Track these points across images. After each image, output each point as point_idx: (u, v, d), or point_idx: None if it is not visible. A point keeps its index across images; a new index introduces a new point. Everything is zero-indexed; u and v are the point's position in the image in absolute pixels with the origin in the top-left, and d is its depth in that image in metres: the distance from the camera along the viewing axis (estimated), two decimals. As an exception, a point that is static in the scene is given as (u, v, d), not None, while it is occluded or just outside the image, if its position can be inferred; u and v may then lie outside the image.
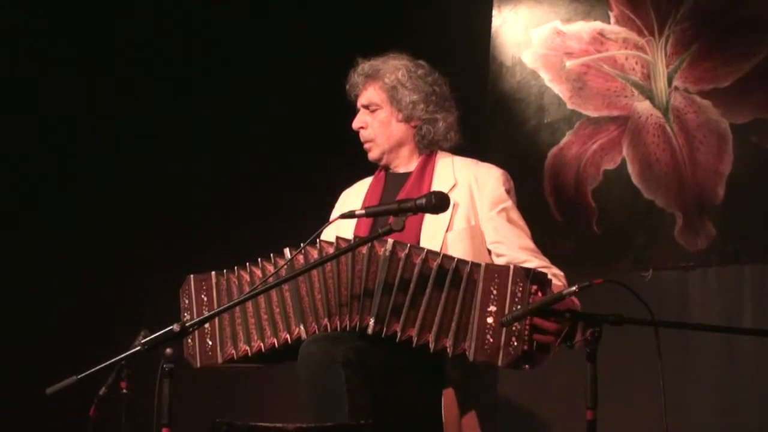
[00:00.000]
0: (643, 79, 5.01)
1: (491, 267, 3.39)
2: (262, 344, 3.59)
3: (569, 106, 5.17)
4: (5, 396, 5.43)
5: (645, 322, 3.11)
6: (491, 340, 3.33)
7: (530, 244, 3.74)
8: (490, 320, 3.34)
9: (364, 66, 3.90)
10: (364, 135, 3.89)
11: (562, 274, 3.68)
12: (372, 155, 3.90)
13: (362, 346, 3.45)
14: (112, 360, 3.05)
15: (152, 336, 3.03)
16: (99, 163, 5.69)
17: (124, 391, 3.03)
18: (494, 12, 5.37)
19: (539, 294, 3.34)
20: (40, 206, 5.66)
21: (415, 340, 3.41)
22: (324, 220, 3.69)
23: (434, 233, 3.68)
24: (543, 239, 5.09)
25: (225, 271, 3.67)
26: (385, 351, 3.48)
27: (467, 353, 3.36)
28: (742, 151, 4.76)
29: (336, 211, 4.01)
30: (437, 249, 3.58)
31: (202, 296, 3.66)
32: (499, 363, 3.33)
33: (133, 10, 5.77)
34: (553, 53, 5.22)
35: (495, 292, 3.35)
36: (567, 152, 5.15)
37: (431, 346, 3.40)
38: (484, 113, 5.33)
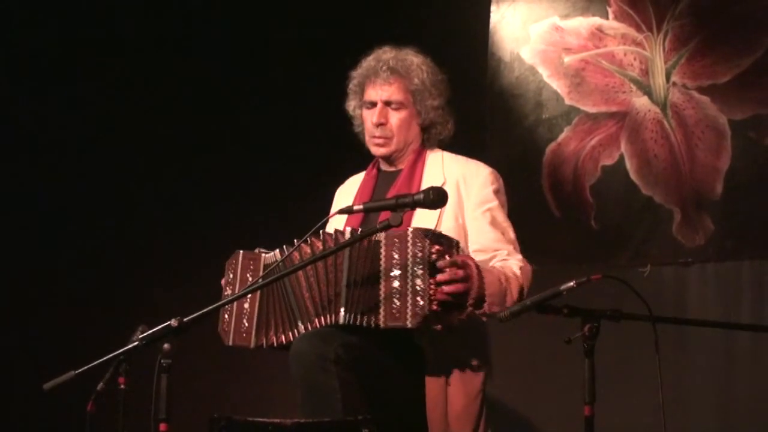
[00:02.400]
0: (641, 75, 5.01)
1: (391, 233, 3.42)
2: (283, 336, 3.60)
3: (567, 101, 5.17)
4: (3, 391, 5.44)
5: (643, 317, 3.12)
6: (398, 303, 3.38)
7: (504, 244, 3.72)
8: (395, 284, 3.39)
9: (389, 58, 3.84)
10: (383, 131, 3.84)
11: (520, 265, 3.66)
12: (383, 151, 3.86)
13: (353, 342, 3.47)
14: (110, 355, 3.05)
15: (150, 331, 3.03)
16: (97, 160, 5.70)
17: (122, 386, 3.03)
18: (492, 8, 5.37)
19: (446, 256, 3.39)
20: (39, 203, 5.66)
21: (358, 321, 3.45)
22: (321, 217, 3.70)
23: None
24: (541, 235, 5.13)
25: (273, 252, 3.65)
26: (374, 345, 3.51)
27: (378, 320, 3.40)
28: (741, 147, 4.76)
29: (334, 209, 4.02)
30: None
31: (248, 275, 3.64)
32: (408, 324, 3.36)
33: (132, 8, 5.78)
34: (551, 49, 5.22)
35: (397, 256, 3.40)
36: (565, 148, 5.15)
37: (363, 322, 3.45)
38: (483, 109, 5.33)
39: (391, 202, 3.46)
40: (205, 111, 5.71)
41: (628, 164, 5.01)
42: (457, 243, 3.50)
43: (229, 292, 3.67)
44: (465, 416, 3.63)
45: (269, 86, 5.68)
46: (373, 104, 3.85)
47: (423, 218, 3.69)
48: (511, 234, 3.77)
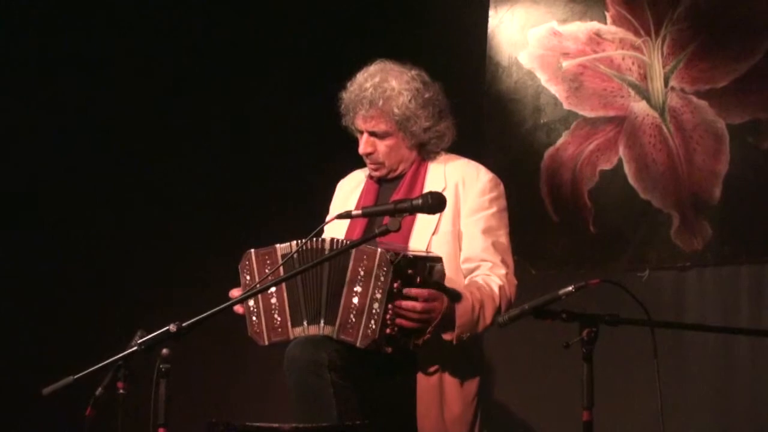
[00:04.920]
0: (639, 80, 5.01)
1: (361, 249, 3.43)
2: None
3: (566, 106, 5.17)
4: (2, 396, 5.43)
5: (641, 322, 3.12)
6: (353, 320, 3.41)
7: (492, 255, 3.71)
8: (355, 300, 3.42)
9: (369, 86, 3.78)
10: (372, 158, 3.83)
11: (500, 283, 3.66)
12: (377, 174, 3.86)
13: (346, 349, 3.47)
14: (109, 360, 3.04)
15: (149, 336, 3.03)
16: (97, 162, 5.69)
17: (121, 391, 3.03)
18: (491, 12, 5.37)
19: (417, 279, 3.42)
20: (39, 205, 5.66)
21: (322, 331, 3.49)
22: (319, 211, 3.70)
23: (422, 236, 3.70)
24: (539, 239, 5.14)
25: (289, 243, 3.61)
26: (366, 352, 3.51)
27: (333, 330, 3.44)
28: (739, 152, 4.76)
29: (334, 203, 4.01)
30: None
31: (266, 270, 3.59)
32: (357, 344, 3.41)
33: (131, 6, 5.78)
34: (549, 53, 5.22)
35: (362, 272, 3.41)
36: (563, 152, 5.15)
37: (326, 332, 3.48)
38: (481, 114, 5.33)
39: (390, 207, 3.47)
40: (205, 114, 5.71)
41: (627, 169, 5.01)
42: (432, 267, 3.48)
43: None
44: (461, 422, 3.64)
45: (269, 87, 5.68)
46: (362, 132, 3.84)
47: (423, 223, 3.69)
48: (504, 242, 3.76)
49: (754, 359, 4.66)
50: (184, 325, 3.06)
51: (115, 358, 3.05)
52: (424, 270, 3.46)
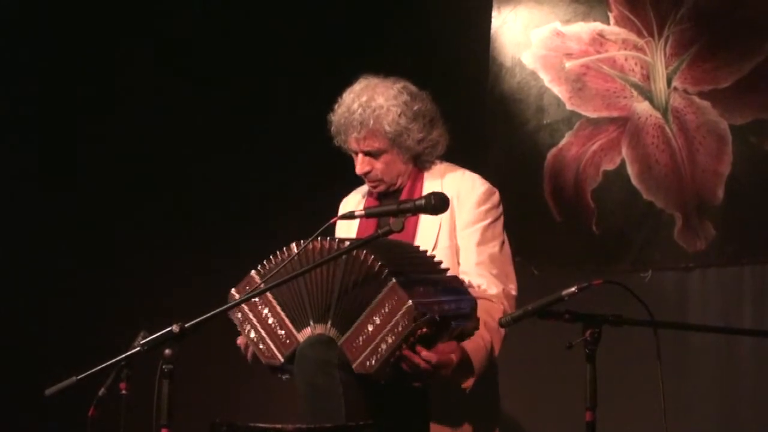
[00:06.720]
0: (642, 80, 5.01)
1: (395, 288, 3.36)
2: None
3: (569, 106, 5.17)
4: (5, 396, 5.44)
5: (644, 322, 3.12)
6: (360, 343, 3.38)
7: (486, 270, 3.69)
8: (369, 328, 3.38)
9: (357, 108, 3.75)
10: (371, 177, 3.81)
11: (502, 308, 3.63)
12: (378, 190, 3.85)
13: None
14: (112, 361, 3.05)
15: (151, 337, 3.03)
16: (100, 164, 5.70)
17: (124, 391, 3.03)
18: (494, 13, 5.37)
19: (439, 338, 3.37)
20: (41, 205, 5.66)
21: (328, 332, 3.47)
22: (324, 213, 3.70)
23: None
24: (542, 240, 5.14)
25: (265, 262, 3.59)
26: None
27: (338, 337, 3.43)
28: (742, 152, 4.76)
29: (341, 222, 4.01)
30: None
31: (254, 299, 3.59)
32: (353, 366, 3.39)
33: (134, 14, 5.79)
34: (552, 54, 5.22)
35: (386, 309, 3.36)
36: (566, 153, 5.16)
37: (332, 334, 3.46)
38: (484, 114, 5.34)
39: (393, 208, 3.46)
40: (207, 117, 5.71)
41: (630, 169, 5.01)
42: (455, 328, 3.44)
43: (248, 327, 3.63)
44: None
45: (270, 92, 5.68)
46: (356, 152, 3.83)
47: (422, 238, 3.70)
48: (498, 252, 3.74)
49: (756, 360, 4.67)
50: (186, 325, 3.06)
51: (118, 358, 3.05)
52: (447, 330, 3.42)
